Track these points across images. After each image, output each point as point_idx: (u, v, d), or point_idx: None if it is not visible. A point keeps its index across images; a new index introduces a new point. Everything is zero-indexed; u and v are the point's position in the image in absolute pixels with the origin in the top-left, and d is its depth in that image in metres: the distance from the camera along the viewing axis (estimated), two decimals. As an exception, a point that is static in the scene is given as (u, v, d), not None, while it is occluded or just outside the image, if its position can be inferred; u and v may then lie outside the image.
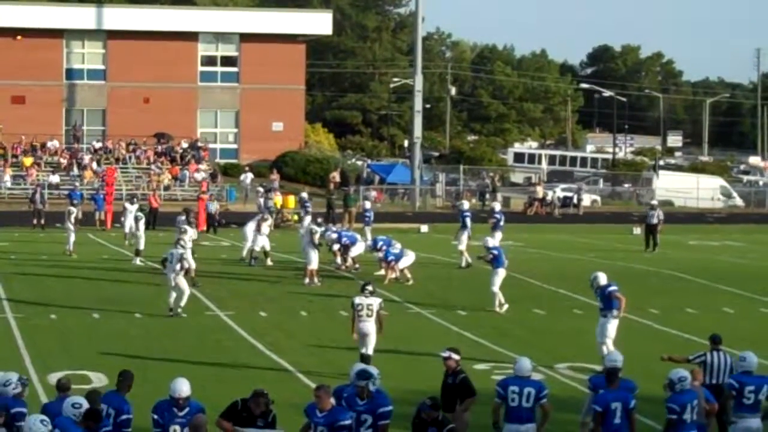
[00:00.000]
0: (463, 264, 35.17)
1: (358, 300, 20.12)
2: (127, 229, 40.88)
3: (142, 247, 35.62)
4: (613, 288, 21.39)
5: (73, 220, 37.79)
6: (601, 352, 20.54)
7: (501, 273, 27.53)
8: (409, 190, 66.63)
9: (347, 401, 13.57)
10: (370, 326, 19.95)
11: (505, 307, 27.44)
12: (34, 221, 47.01)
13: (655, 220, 42.64)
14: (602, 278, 21.62)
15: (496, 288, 27.41)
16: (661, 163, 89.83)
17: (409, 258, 32.18)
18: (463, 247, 35.46)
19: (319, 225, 33.90)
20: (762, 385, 14.94)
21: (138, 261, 35.32)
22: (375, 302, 20.07)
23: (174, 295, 26.13)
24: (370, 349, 19.83)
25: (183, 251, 26.80)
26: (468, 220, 35.77)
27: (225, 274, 33.23)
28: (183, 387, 13.09)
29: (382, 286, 31.00)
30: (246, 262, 35.23)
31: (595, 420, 14.06)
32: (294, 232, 45.29)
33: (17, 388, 13.38)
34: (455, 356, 15.20)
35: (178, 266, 26.17)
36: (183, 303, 26.15)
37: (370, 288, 20.41)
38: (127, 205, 42.25)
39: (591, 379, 15.04)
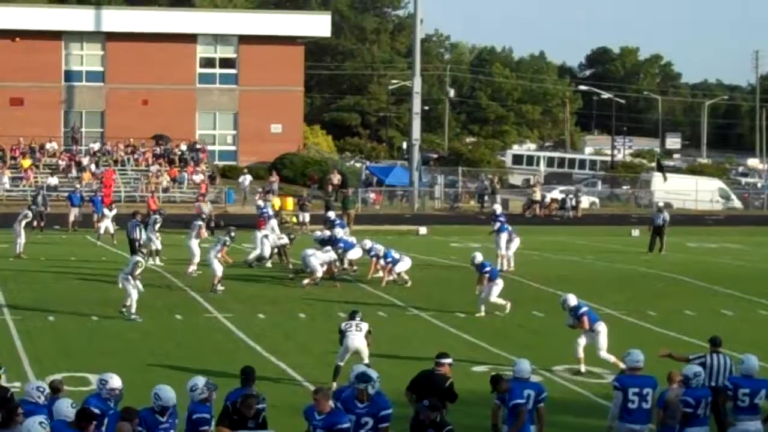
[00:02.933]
0: (506, 267, 34.87)
1: (345, 323, 19.84)
2: (102, 231, 41.95)
3: (159, 247, 35.82)
4: (584, 310, 21.40)
5: (24, 224, 37.88)
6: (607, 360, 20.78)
7: (500, 283, 27.52)
8: (407, 192, 66.62)
9: (345, 403, 13.54)
10: (359, 339, 19.52)
11: (508, 306, 27.51)
12: (35, 223, 46.99)
13: (661, 222, 42.62)
14: (572, 300, 21.66)
15: (494, 297, 27.34)
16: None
17: (404, 263, 32.14)
18: (503, 251, 35.38)
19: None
20: (759, 389, 14.94)
21: (158, 261, 35.52)
22: (364, 326, 19.73)
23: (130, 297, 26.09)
24: (365, 360, 19.49)
25: (140, 259, 26.86)
26: (503, 224, 35.74)
27: (223, 275, 33.18)
28: (172, 395, 13.07)
29: (380, 288, 31.03)
30: (247, 264, 35.09)
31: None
32: (294, 233, 45.30)
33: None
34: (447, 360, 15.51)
35: (135, 271, 26.24)
36: (133, 307, 26.01)
37: (359, 315, 20.09)
38: (106, 211, 43.40)
39: (618, 379, 15.12)
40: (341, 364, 19.39)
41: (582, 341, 21.16)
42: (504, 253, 35.27)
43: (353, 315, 20.12)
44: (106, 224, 42.32)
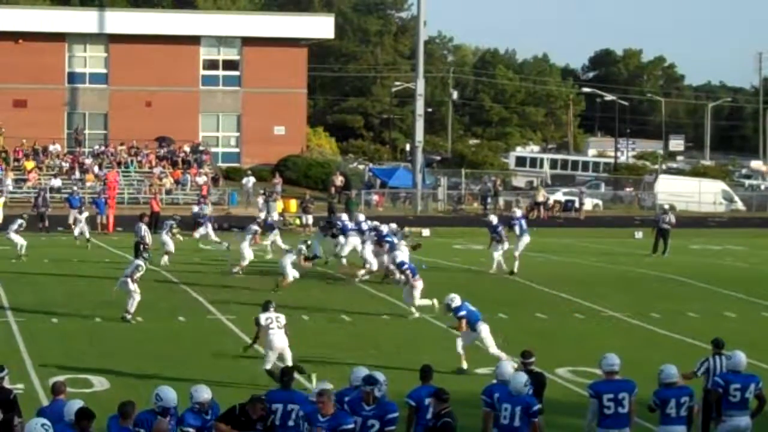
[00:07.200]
0: (494, 270, 34.96)
1: (265, 315, 20.02)
2: (77, 233, 41.92)
3: (172, 249, 36.30)
4: (463, 313, 21.33)
5: (16, 227, 37.81)
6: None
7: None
8: (410, 194, 66.61)
9: (351, 406, 13.53)
10: (282, 339, 19.79)
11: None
12: (39, 225, 47.18)
13: (666, 225, 42.42)
14: (456, 300, 21.57)
15: (493, 349, 21.63)
16: (663, 167, 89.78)
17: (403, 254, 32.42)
18: (498, 254, 35.25)
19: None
20: (749, 384, 15.06)
21: (166, 259, 35.95)
22: (282, 319, 20.02)
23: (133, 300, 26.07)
24: (288, 361, 19.68)
25: (141, 263, 26.77)
26: (501, 233, 35.50)
27: (226, 277, 33.24)
28: (173, 396, 13.07)
29: (383, 290, 30.99)
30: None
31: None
32: (296, 235, 45.29)
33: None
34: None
35: (135, 275, 26.22)
36: (132, 308, 25.99)
37: (273, 306, 20.37)
38: (76, 213, 43.62)
39: (591, 386, 15.00)
40: (269, 368, 19.59)
41: (460, 342, 21.24)
42: (517, 254, 35.06)
43: (267, 306, 20.33)
44: (81, 227, 42.04)
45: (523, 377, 14.25)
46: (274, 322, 19.88)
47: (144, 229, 35.38)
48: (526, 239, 35.41)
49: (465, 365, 21.08)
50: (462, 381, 19.96)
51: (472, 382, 19.54)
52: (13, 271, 34.10)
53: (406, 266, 27.73)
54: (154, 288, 30.00)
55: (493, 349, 21.09)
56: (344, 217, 36.45)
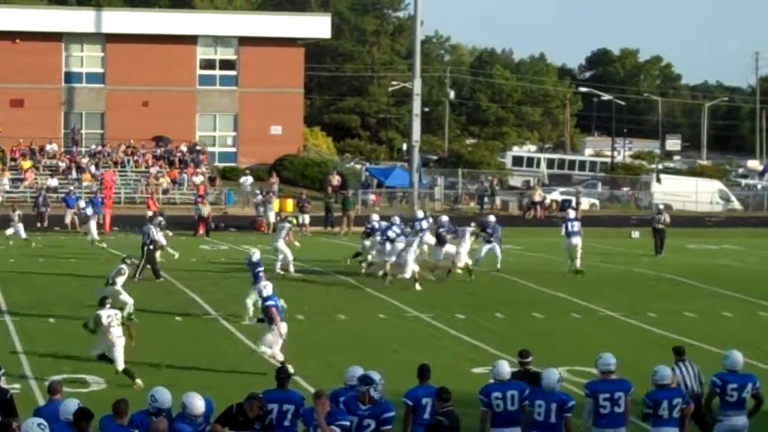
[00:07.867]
0: (498, 266, 35.17)
1: (106, 313, 20.14)
2: (23, 235, 41.39)
3: (164, 242, 35.99)
4: (272, 303, 21.18)
5: None
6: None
7: (284, 326, 21.40)
8: (407, 193, 66.57)
9: (347, 405, 13.51)
10: (122, 339, 19.99)
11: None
12: (38, 224, 47.18)
13: (661, 225, 42.40)
14: (269, 287, 21.52)
15: (265, 349, 21.43)
16: (660, 166, 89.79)
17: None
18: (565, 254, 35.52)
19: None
20: (746, 383, 15.07)
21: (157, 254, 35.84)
22: (119, 313, 20.36)
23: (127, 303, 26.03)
24: (120, 364, 19.84)
25: (123, 266, 26.51)
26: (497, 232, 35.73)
27: (224, 277, 33.22)
28: (168, 397, 13.05)
29: (379, 290, 30.99)
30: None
31: (405, 414, 14.12)
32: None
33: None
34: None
35: (118, 278, 26.09)
36: (130, 310, 25.95)
37: (110, 301, 20.66)
38: (10, 212, 43.37)
39: (588, 386, 15.00)
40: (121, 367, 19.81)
41: (267, 343, 21.09)
42: (577, 256, 35.14)
43: (104, 302, 20.58)
44: (16, 228, 41.67)
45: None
46: (114, 319, 20.04)
47: (153, 231, 34.97)
48: (574, 240, 35.27)
49: (281, 357, 20.52)
50: (460, 381, 19.95)
51: (470, 382, 19.54)
52: (10, 270, 34.08)
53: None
54: (152, 288, 30.00)
55: (265, 347, 20.80)
56: (375, 217, 36.28)
